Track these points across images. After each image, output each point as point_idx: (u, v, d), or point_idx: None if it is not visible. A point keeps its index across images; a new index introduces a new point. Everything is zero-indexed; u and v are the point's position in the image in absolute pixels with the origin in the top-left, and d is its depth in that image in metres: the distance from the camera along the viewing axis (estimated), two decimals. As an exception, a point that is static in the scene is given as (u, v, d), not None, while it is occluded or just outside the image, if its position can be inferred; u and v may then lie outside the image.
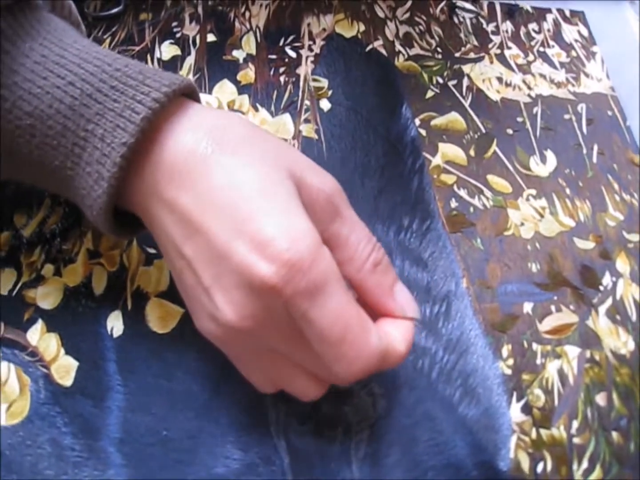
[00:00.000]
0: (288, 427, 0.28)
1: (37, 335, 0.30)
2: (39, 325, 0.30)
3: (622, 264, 0.35)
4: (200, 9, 0.42)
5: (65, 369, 0.29)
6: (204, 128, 0.23)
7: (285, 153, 0.24)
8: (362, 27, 0.42)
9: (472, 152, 0.37)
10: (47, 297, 0.31)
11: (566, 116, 0.40)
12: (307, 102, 0.38)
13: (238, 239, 0.22)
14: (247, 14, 0.42)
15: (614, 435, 0.29)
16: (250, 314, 0.22)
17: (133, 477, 0.27)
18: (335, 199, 0.25)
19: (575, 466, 0.29)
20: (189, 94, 0.25)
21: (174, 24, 0.41)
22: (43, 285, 0.31)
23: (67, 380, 0.29)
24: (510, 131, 0.39)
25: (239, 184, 0.22)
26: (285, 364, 0.25)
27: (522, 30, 0.44)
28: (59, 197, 0.34)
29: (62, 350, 0.30)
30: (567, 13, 0.46)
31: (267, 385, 0.26)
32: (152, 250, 0.32)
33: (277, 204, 0.22)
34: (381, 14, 0.43)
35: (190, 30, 0.41)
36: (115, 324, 0.31)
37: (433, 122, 0.38)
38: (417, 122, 0.38)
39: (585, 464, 0.29)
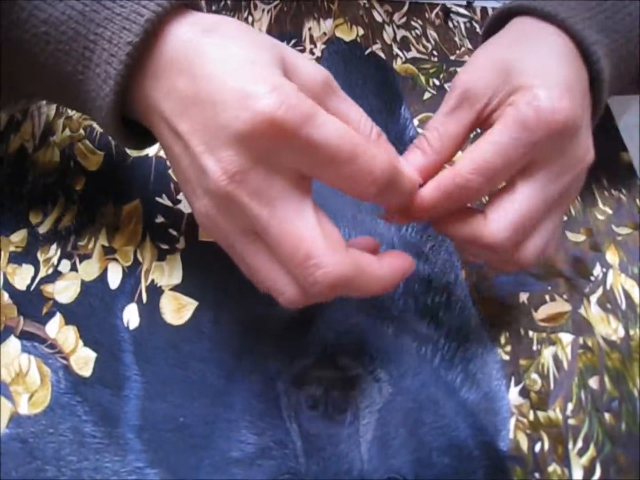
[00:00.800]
0: (299, 412, 0.30)
1: (56, 328, 0.32)
2: (58, 318, 0.32)
3: (612, 255, 0.37)
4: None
5: (84, 360, 0.31)
6: (201, 24, 0.25)
7: (278, 44, 0.26)
8: (361, 31, 0.44)
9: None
10: (64, 292, 0.33)
11: (557, 116, 0.42)
12: (310, 103, 0.40)
13: (225, 98, 0.23)
14: (250, 18, 0.44)
15: (607, 416, 0.31)
16: (238, 169, 0.23)
17: (152, 462, 0.29)
18: (330, 80, 0.27)
19: (570, 445, 0.31)
20: (193, 6, 0.27)
21: (179, 28, 0.43)
22: (60, 280, 0.33)
23: (86, 371, 0.31)
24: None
25: (231, 56, 0.24)
26: (265, 255, 0.25)
27: (514, 34, 0.46)
28: (73, 196, 0.35)
29: (81, 342, 0.31)
30: (557, 17, 0.48)
31: (253, 277, 0.26)
32: (164, 246, 0.34)
33: (265, 70, 0.24)
34: (379, 19, 0.46)
35: (195, 34, 0.43)
36: (131, 316, 0.32)
37: (431, 122, 0.40)
38: (416, 122, 0.40)
39: (580, 444, 0.31)
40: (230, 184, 0.23)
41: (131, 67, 0.25)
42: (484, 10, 0.47)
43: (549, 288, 0.35)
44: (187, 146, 0.24)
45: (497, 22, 0.32)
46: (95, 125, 0.38)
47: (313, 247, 0.23)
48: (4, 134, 0.38)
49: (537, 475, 0.30)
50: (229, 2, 0.45)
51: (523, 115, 0.26)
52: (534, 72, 0.28)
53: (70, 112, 0.39)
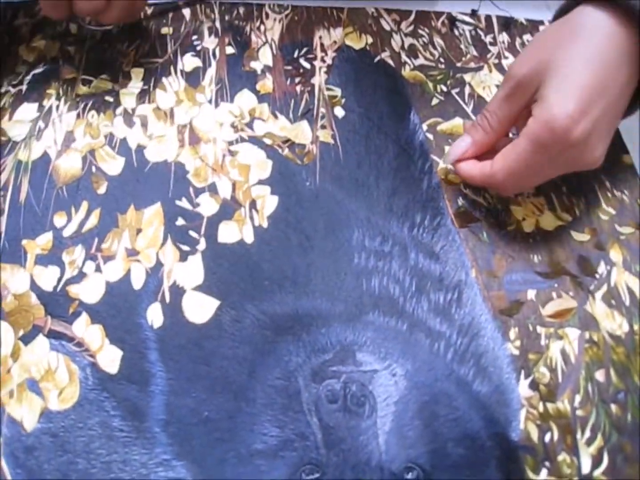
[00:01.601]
0: (320, 406, 0.31)
1: (83, 327, 0.33)
2: (84, 318, 0.34)
3: (615, 254, 0.39)
4: (218, 23, 0.46)
5: (110, 358, 0.32)
6: None
7: None
8: (370, 40, 0.46)
9: (476, 154, 0.41)
10: (90, 292, 0.34)
11: (560, 120, 0.44)
12: (322, 109, 0.42)
13: None
14: (262, 27, 0.46)
15: (613, 407, 0.33)
16: None
17: (178, 454, 0.30)
18: None
19: (579, 435, 0.32)
20: None
21: (194, 37, 0.45)
22: (85, 281, 0.35)
23: (113, 368, 0.32)
24: (510, 134, 0.43)
25: None
26: None
27: (518, 41, 0.48)
28: (96, 200, 0.37)
29: (107, 341, 0.33)
30: (558, 25, 0.50)
31: None
32: (186, 248, 0.36)
33: None
34: (387, 27, 0.48)
35: (210, 43, 0.45)
36: (155, 316, 0.34)
37: (439, 127, 0.42)
38: (425, 127, 0.42)
39: (587, 434, 0.32)
40: None
41: None
42: (488, 18, 0.49)
43: (556, 285, 0.37)
44: None
45: (563, 11, 0.37)
46: (114, 132, 0.40)
47: None
48: (28, 141, 0.39)
49: (547, 464, 0.31)
50: (241, 11, 0.47)
51: (539, 134, 0.33)
52: (562, 84, 0.33)
53: (91, 119, 0.40)
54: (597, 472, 0.31)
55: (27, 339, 0.33)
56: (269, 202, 0.38)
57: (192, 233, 0.36)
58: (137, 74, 0.43)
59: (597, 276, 0.37)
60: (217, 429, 0.31)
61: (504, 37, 0.48)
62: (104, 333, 0.33)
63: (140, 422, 0.31)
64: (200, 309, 0.34)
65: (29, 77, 0.42)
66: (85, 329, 0.33)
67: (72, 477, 0.29)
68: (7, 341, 0.33)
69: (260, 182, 0.38)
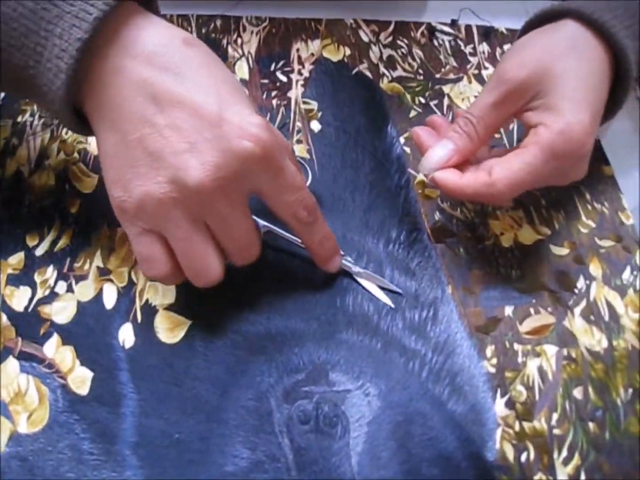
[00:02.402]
0: (291, 427, 0.32)
1: (53, 349, 0.33)
2: (55, 339, 0.34)
3: (595, 268, 0.39)
4: (194, 36, 0.46)
5: (81, 379, 0.33)
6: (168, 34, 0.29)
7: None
8: (348, 51, 0.47)
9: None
10: (61, 313, 0.34)
11: (540, 131, 0.44)
12: (298, 123, 0.42)
13: (228, 112, 0.28)
14: (239, 40, 0.46)
15: (591, 425, 0.33)
16: (222, 175, 0.28)
17: (149, 477, 0.30)
18: None
19: (555, 455, 0.32)
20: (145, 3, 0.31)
21: (171, 51, 0.45)
22: (57, 301, 0.35)
23: (84, 390, 0.32)
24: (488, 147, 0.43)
25: (216, 71, 0.30)
26: (204, 237, 0.30)
27: (498, 51, 0.48)
28: (69, 218, 0.37)
29: (78, 362, 0.33)
30: (540, 34, 0.50)
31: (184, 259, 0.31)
32: (158, 267, 0.36)
33: (245, 97, 0.30)
34: (365, 39, 0.48)
35: (186, 57, 0.45)
36: (126, 335, 0.34)
37: (417, 140, 0.42)
38: (402, 140, 0.42)
39: (565, 453, 0.32)
40: (212, 182, 0.28)
41: (81, 62, 0.27)
42: (468, 28, 0.49)
43: (534, 301, 0.37)
44: (163, 136, 0.28)
45: (543, 19, 0.37)
46: (89, 148, 0.40)
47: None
48: (1, 159, 0.39)
49: (523, 484, 0.31)
50: (218, 24, 0.47)
51: (555, 143, 0.32)
52: (573, 95, 0.33)
53: (65, 136, 0.41)
54: None
55: (-4, 361, 0.33)
56: (243, 219, 0.38)
57: (165, 251, 0.36)
58: (112, 89, 0.43)
59: (576, 291, 0.37)
60: (189, 451, 0.31)
61: (484, 47, 0.48)
62: (75, 354, 0.33)
63: (111, 445, 0.31)
64: (172, 328, 0.34)
65: (2, 94, 0.42)
66: (56, 350, 0.33)
67: (41, 501, 0.30)
68: (-24, 363, 0.33)
69: (235, 199, 0.38)
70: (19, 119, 0.41)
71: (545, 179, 0.34)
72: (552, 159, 0.32)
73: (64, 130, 0.41)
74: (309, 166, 0.40)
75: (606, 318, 0.37)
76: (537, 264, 0.38)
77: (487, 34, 0.49)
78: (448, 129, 0.36)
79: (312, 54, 0.46)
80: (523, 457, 0.32)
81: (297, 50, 0.46)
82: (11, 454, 0.30)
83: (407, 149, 0.42)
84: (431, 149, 0.36)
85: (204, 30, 0.46)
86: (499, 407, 0.33)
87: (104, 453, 0.31)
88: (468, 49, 0.48)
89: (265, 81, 0.44)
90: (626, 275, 0.38)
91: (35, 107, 0.42)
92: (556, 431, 0.33)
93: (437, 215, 0.39)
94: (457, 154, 0.35)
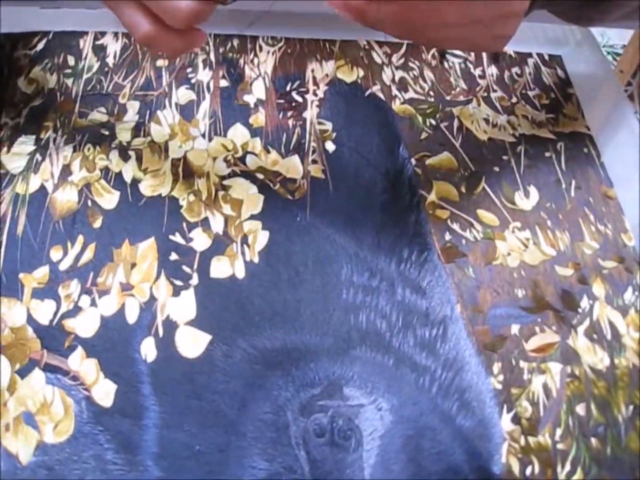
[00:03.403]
0: (307, 440, 0.33)
1: (78, 361, 0.35)
2: (79, 351, 0.35)
3: (598, 288, 0.40)
4: (212, 56, 0.48)
5: (105, 392, 0.34)
6: None
7: None
8: (362, 73, 0.48)
9: (463, 189, 0.43)
10: (85, 326, 0.36)
11: (547, 154, 0.46)
12: (313, 144, 0.44)
13: None
14: (256, 60, 0.48)
15: (593, 441, 0.35)
16: None
17: (170, 487, 0.32)
18: None
19: (559, 469, 0.34)
20: None
21: (189, 70, 0.47)
22: (81, 315, 0.36)
23: (107, 402, 0.34)
24: (497, 169, 0.45)
25: None
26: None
27: (506, 74, 0.50)
28: (92, 234, 0.39)
29: (102, 375, 0.35)
30: (546, 57, 0.52)
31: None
32: (179, 283, 0.37)
33: None
34: (378, 60, 0.49)
35: (204, 76, 0.47)
36: (148, 349, 0.35)
37: (428, 162, 0.44)
38: (413, 161, 0.44)
39: (568, 467, 0.34)
40: None
41: None
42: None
43: (539, 320, 0.39)
44: None
45: None
46: (110, 165, 0.42)
47: None
48: (25, 174, 0.41)
49: (528, 497, 0.33)
50: (235, 44, 0.49)
51: None
52: None
53: (87, 153, 0.42)
54: None
55: (23, 373, 0.34)
56: (260, 237, 0.39)
57: (185, 268, 0.38)
58: (132, 106, 0.45)
59: (580, 310, 0.39)
60: (208, 463, 0.33)
61: (492, 70, 0.50)
62: (99, 367, 0.35)
63: (133, 455, 0.33)
64: (192, 343, 0.36)
65: (26, 110, 0.44)
66: (81, 363, 0.35)
67: (66, 509, 0.31)
68: (4, 374, 0.34)
69: (252, 217, 0.40)
70: (42, 135, 0.43)
71: None
72: None
73: (86, 147, 0.42)
74: (323, 186, 0.42)
75: (608, 337, 0.39)
76: (543, 284, 0.40)
77: (496, 57, 0.51)
78: None
79: (327, 75, 0.48)
80: (528, 471, 0.34)
81: (312, 70, 0.48)
82: (38, 463, 0.32)
83: (419, 170, 0.44)
84: None
85: (221, 50, 0.48)
86: (505, 422, 0.35)
87: (127, 463, 0.32)
88: (477, 72, 0.50)
89: (281, 101, 0.46)
90: (628, 295, 0.40)
91: (57, 123, 0.44)
92: (560, 446, 0.35)
93: (447, 236, 0.41)
94: None
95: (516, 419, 0.35)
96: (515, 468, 0.34)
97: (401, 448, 0.34)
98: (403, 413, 0.35)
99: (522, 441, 0.35)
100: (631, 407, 0.36)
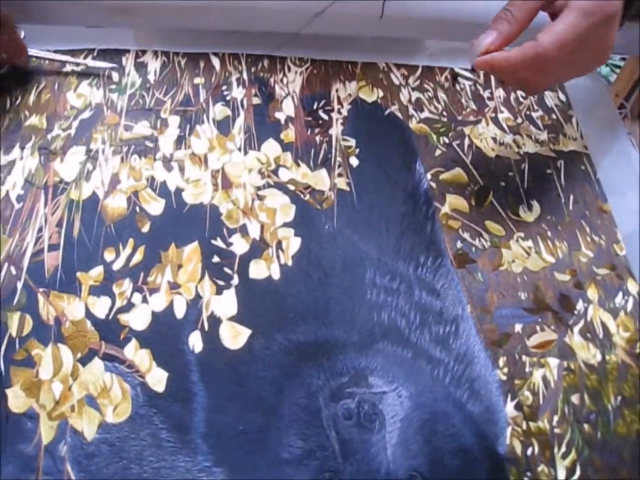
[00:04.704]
0: (337, 422, 0.38)
1: (133, 351, 0.40)
2: (133, 343, 0.40)
3: (592, 292, 0.46)
4: (245, 75, 0.53)
5: (157, 378, 0.39)
6: None
7: None
8: (381, 93, 0.54)
9: (473, 202, 0.49)
10: (138, 320, 0.41)
11: (548, 171, 0.52)
12: (339, 158, 0.49)
13: None
14: (285, 79, 0.53)
15: (586, 426, 0.40)
16: None
17: (217, 462, 0.37)
18: None
19: (556, 450, 0.39)
20: None
21: (224, 87, 0.52)
22: (134, 311, 0.41)
23: (160, 387, 0.39)
24: (503, 184, 0.50)
25: None
26: None
27: (512, 96, 0.56)
28: (141, 237, 0.44)
29: (154, 364, 0.39)
30: (549, 80, 0.58)
31: None
32: (221, 282, 0.43)
33: None
34: (396, 81, 0.55)
35: (238, 93, 0.52)
36: (195, 342, 0.40)
37: (441, 177, 0.50)
38: (429, 176, 0.50)
39: (563, 449, 0.39)
40: None
41: None
42: (486, 73, 0.57)
43: (540, 320, 0.44)
44: None
45: None
46: (155, 175, 0.47)
47: None
48: (78, 182, 0.46)
49: (528, 474, 0.38)
50: (265, 64, 0.54)
51: (586, 4, 0.39)
52: None
53: (133, 163, 0.47)
54: None
55: (84, 361, 0.39)
56: (293, 243, 0.45)
57: (227, 269, 0.43)
58: (173, 121, 0.50)
59: (576, 312, 0.45)
60: (250, 441, 0.38)
61: (500, 92, 0.56)
62: (152, 357, 0.40)
63: (185, 434, 0.38)
64: (234, 336, 0.41)
65: (76, 122, 0.49)
66: (135, 353, 0.40)
67: (127, 480, 0.36)
68: (67, 362, 0.39)
69: (285, 225, 0.45)
70: (92, 145, 0.48)
71: (583, 38, 0.39)
72: (586, 17, 0.39)
73: (132, 157, 0.47)
74: (348, 198, 0.47)
75: (601, 336, 0.44)
76: (543, 288, 0.45)
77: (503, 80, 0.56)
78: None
79: (350, 95, 0.53)
80: (529, 452, 0.39)
81: (337, 90, 0.53)
82: (101, 440, 0.37)
83: (433, 184, 0.49)
84: (477, 39, 0.42)
85: (253, 69, 0.53)
86: (509, 409, 0.40)
87: (179, 441, 0.37)
88: (486, 94, 0.56)
89: (309, 119, 0.51)
90: (618, 299, 0.46)
91: (105, 135, 0.48)
92: (557, 430, 0.40)
93: (458, 244, 0.47)
94: (499, 38, 0.41)
95: (519, 406, 0.40)
96: (518, 449, 0.39)
97: (418, 430, 0.39)
98: (420, 400, 0.40)
99: (524, 426, 0.40)
100: (619, 398, 0.41)
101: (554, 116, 0.55)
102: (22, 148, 0.47)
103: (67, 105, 0.50)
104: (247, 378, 0.40)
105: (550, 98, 0.56)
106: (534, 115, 0.55)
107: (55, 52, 0.52)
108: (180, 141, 0.49)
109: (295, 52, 0.54)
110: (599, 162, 0.53)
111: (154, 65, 0.53)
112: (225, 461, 0.37)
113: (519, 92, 0.56)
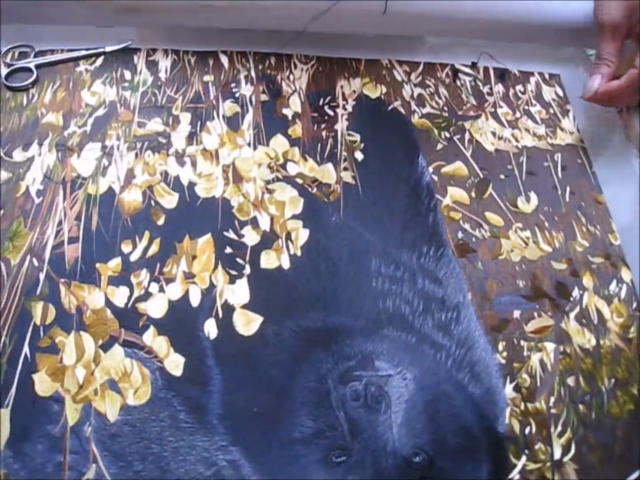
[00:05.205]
0: (345, 403, 0.41)
1: (151, 338, 0.42)
2: (151, 330, 0.42)
3: (587, 280, 0.48)
4: (252, 72, 0.55)
5: (175, 363, 0.41)
6: None
7: None
8: (384, 89, 0.56)
9: (473, 194, 0.51)
10: (155, 309, 0.43)
11: (545, 164, 0.54)
12: (344, 153, 0.51)
13: None
14: (291, 76, 0.55)
15: (580, 407, 0.43)
16: None
17: (233, 441, 0.39)
18: None
19: (552, 429, 0.42)
20: None
21: (232, 84, 0.54)
22: (151, 300, 0.44)
23: (178, 372, 0.41)
24: (502, 176, 0.52)
25: None
26: None
27: (511, 91, 0.58)
28: (156, 230, 0.46)
29: (172, 349, 0.42)
30: (546, 76, 0.60)
31: None
32: (234, 272, 0.45)
33: None
34: (399, 78, 0.57)
35: (246, 90, 0.54)
36: (210, 328, 0.43)
37: (443, 170, 0.52)
38: (431, 169, 0.52)
39: (559, 428, 0.42)
40: None
41: None
42: (486, 69, 0.59)
43: (537, 306, 0.46)
44: None
45: None
46: (169, 170, 0.49)
47: None
48: (95, 177, 0.48)
49: (526, 451, 0.40)
50: (272, 61, 0.56)
51: None
52: None
53: (147, 159, 0.49)
54: (566, 458, 0.41)
55: (105, 347, 0.41)
56: (301, 234, 0.47)
57: (239, 260, 0.45)
58: (185, 118, 0.52)
59: (572, 299, 0.47)
60: (264, 422, 0.40)
61: (499, 88, 0.58)
62: (169, 343, 0.42)
63: (202, 416, 0.40)
64: (247, 323, 0.43)
65: (91, 119, 0.51)
66: (153, 340, 0.42)
67: (148, 459, 0.38)
68: (89, 349, 0.42)
69: (294, 217, 0.48)
70: (107, 142, 0.50)
71: None
72: None
73: (146, 153, 0.50)
74: (354, 191, 0.49)
75: (595, 322, 0.46)
76: (540, 276, 0.48)
77: (502, 75, 0.58)
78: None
79: (354, 91, 0.55)
80: (527, 431, 0.41)
81: (341, 87, 0.55)
82: (123, 421, 0.39)
83: (435, 177, 0.51)
84: (588, 82, 0.54)
85: (260, 67, 0.55)
86: (508, 390, 0.43)
87: (197, 422, 0.40)
88: (486, 89, 0.58)
89: (315, 115, 0.53)
90: (613, 287, 0.48)
91: (119, 132, 0.51)
92: (553, 411, 0.42)
93: (459, 234, 0.49)
94: (605, 77, 0.53)
95: (517, 388, 0.43)
96: (516, 428, 0.41)
97: (422, 410, 0.41)
98: (424, 382, 0.42)
99: (522, 406, 0.42)
100: (613, 380, 0.44)
101: (551, 110, 0.57)
102: (40, 145, 0.49)
103: (82, 103, 0.52)
104: (259, 362, 0.42)
105: (547, 93, 0.59)
106: (532, 110, 0.57)
107: (69, 51, 0.54)
108: (191, 137, 0.51)
109: (301, 50, 0.56)
110: (594, 155, 0.55)
111: (164, 64, 0.55)
112: (241, 440, 0.39)
113: (518, 87, 0.58)
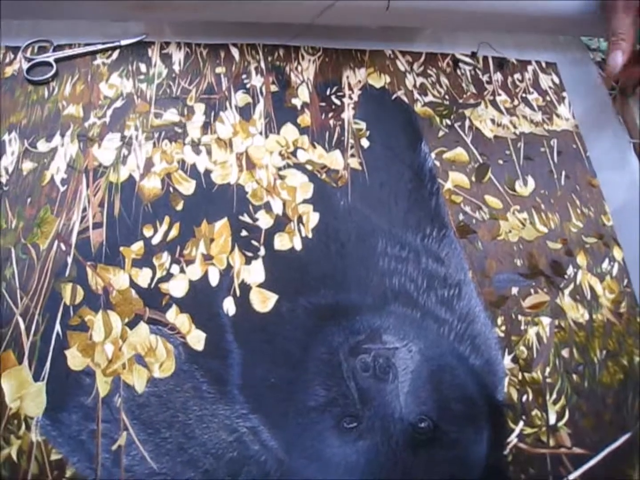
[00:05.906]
0: (355, 374, 0.44)
1: (174, 316, 0.45)
2: (174, 308, 0.45)
3: (581, 259, 0.51)
4: (262, 64, 0.58)
5: (197, 339, 0.44)
6: None
7: None
8: (388, 79, 0.58)
9: (473, 178, 0.54)
10: (177, 289, 0.46)
11: (542, 149, 0.57)
12: (351, 140, 0.54)
13: None
14: (299, 68, 0.58)
15: (574, 376, 0.45)
16: None
17: (253, 409, 0.42)
18: None
19: (547, 397, 0.45)
20: None
21: (244, 76, 0.57)
22: (173, 280, 0.47)
23: (199, 346, 0.44)
24: (501, 161, 0.55)
25: None
26: None
27: (509, 79, 0.61)
28: (176, 215, 0.49)
29: (193, 326, 0.45)
30: (543, 64, 0.62)
31: None
32: (249, 254, 0.48)
33: None
34: (402, 68, 0.60)
35: (257, 81, 0.56)
36: (229, 306, 0.46)
37: (444, 156, 0.55)
38: (433, 155, 0.55)
39: (554, 396, 0.45)
40: None
41: None
42: (485, 59, 0.61)
43: (534, 284, 0.49)
44: None
45: None
46: (185, 158, 0.52)
47: None
48: (115, 166, 0.51)
49: (523, 417, 0.43)
50: (281, 53, 0.59)
51: None
52: None
53: (164, 147, 0.52)
54: (560, 424, 0.44)
55: (131, 325, 0.44)
56: (312, 218, 0.50)
57: (254, 242, 0.48)
58: (199, 108, 0.54)
59: (566, 277, 0.50)
60: (281, 391, 0.43)
61: (498, 76, 0.61)
62: (191, 320, 0.45)
63: (223, 387, 0.43)
64: (263, 301, 0.46)
65: (110, 111, 0.54)
66: (176, 317, 0.45)
67: (174, 426, 0.42)
68: (116, 326, 0.45)
69: (305, 201, 0.51)
70: (126, 132, 0.53)
71: None
72: None
73: (163, 142, 0.52)
74: (361, 176, 0.52)
75: (588, 297, 0.49)
76: (537, 255, 0.51)
77: (501, 64, 0.61)
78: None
79: (359, 81, 0.58)
80: (524, 398, 0.44)
81: (347, 77, 0.58)
82: (150, 393, 0.42)
83: (437, 163, 0.54)
84: (609, 59, 0.53)
85: (269, 59, 0.58)
86: (507, 361, 0.46)
87: (219, 392, 0.43)
88: (485, 78, 0.60)
89: (323, 104, 0.56)
90: (605, 265, 0.51)
91: (137, 123, 0.53)
92: (548, 380, 0.45)
93: (460, 216, 0.52)
94: (625, 54, 0.53)
95: (515, 359, 0.46)
96: (514, 396, 0.44)
97: (427, 380, 0.44)
98: (428, 354, 0.45)
99: (520, 376, 0.45)
100: (604, 352, 0.47)
101: (548, 98, 0.60)
102: (62, 135, 0.52)
103: (100, 96, 0.55)
104: (275, 337, 0.45)
105: (544, 80, 0.61)
106: (530, 97, 0.60)
107: (86, 45, 0.57)
108: (206, 127, 0.54)
109: (308, 42, 0.59)
110: (589, 141, 0.58)
111: (178, 56, 0.57)
112: (259, 409, 0.42)
113: (516, 76, 0.61)
